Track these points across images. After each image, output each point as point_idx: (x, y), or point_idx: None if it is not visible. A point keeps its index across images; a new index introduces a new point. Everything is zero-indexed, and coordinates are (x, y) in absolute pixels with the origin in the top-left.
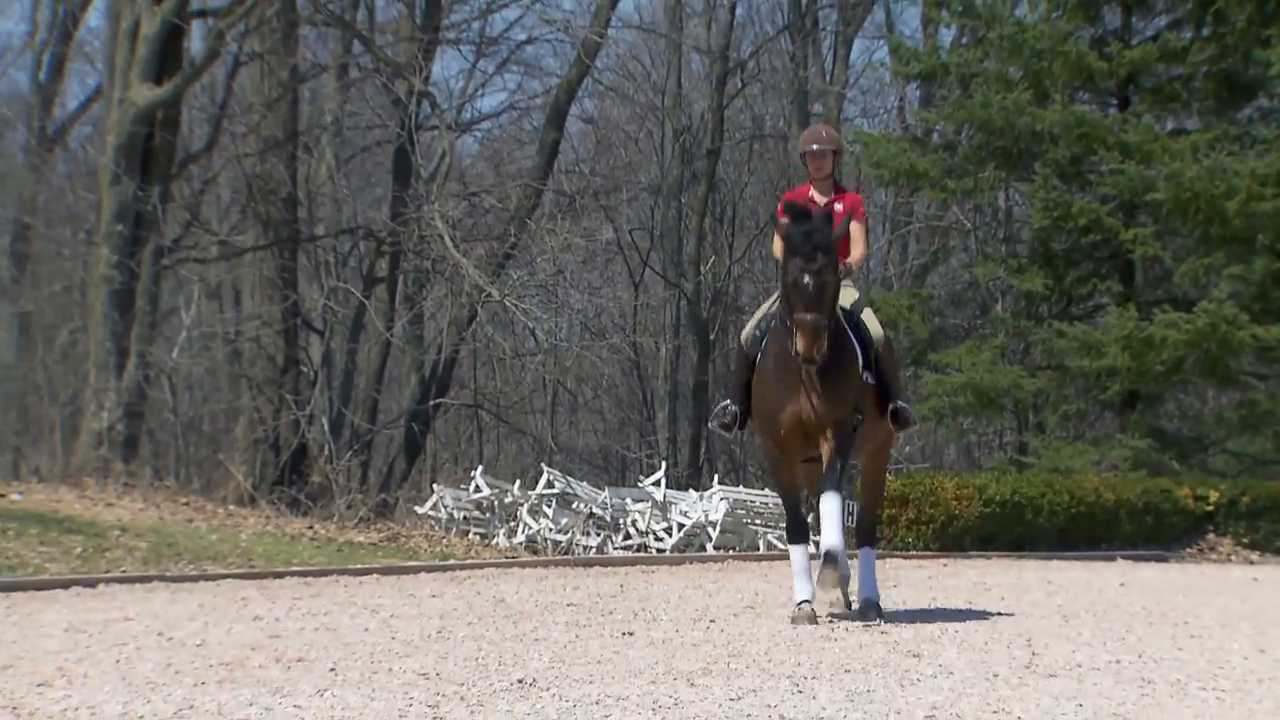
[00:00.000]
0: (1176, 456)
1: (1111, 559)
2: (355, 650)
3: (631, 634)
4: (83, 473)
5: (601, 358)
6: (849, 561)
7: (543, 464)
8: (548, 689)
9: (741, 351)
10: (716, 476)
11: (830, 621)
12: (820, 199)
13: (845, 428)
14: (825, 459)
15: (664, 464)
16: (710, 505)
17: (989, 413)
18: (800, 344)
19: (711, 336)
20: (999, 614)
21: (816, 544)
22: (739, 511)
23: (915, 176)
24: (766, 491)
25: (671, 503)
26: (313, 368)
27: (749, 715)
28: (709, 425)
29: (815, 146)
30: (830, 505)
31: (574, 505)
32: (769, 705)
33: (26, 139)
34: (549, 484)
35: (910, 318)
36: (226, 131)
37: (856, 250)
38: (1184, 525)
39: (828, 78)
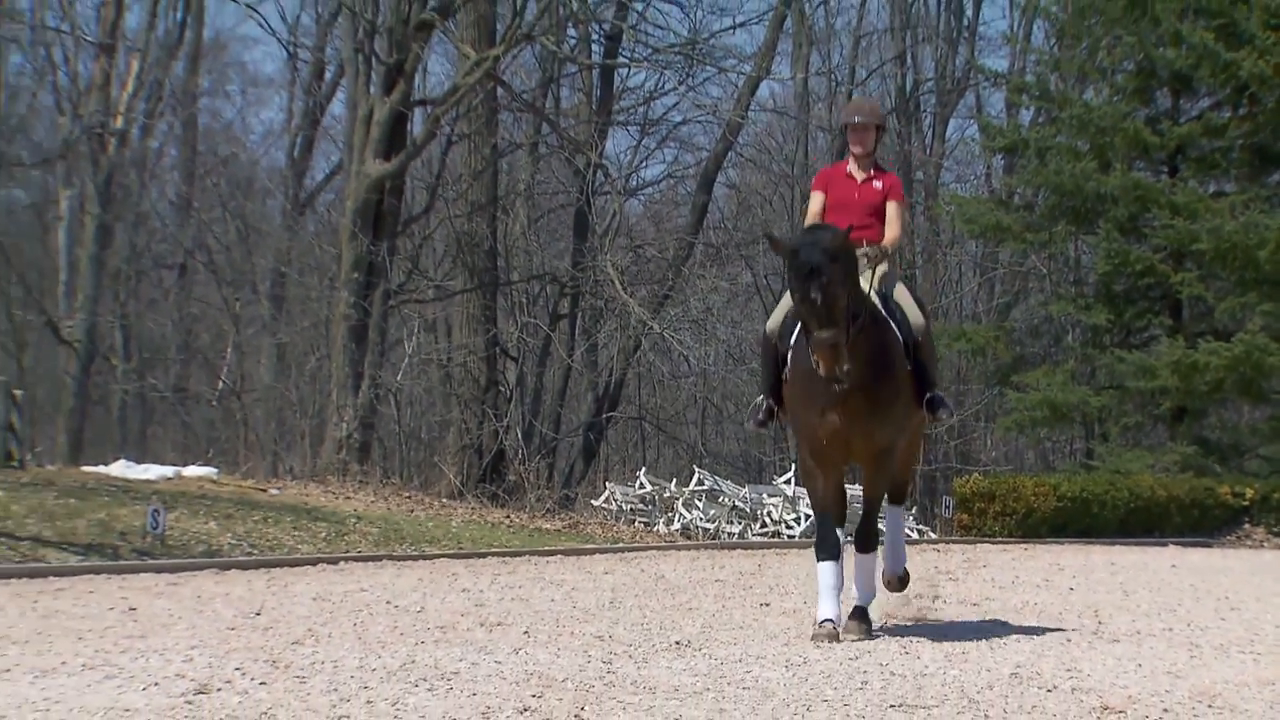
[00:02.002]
0: (1218, 460)
1: (1164, 545)
2: (544, 616)
3: (768, 605)
4: (326, 472)
5: (742, 379)
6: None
7: (694, 466)
8: (700, 649)
9: (769, 343)
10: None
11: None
12: (859, 175)
13: (889, 461)
14: (864, 508)
15: (793, 465)
16: None
17: (1061, 424)
18: (821, 366)
19: None
20: (1070, 589)
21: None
22: (853, 505)
23: (1000, 231)
24: None
25: (799, 497)
26: (509, 388)
27: (865, 671)
28: (745, 426)
29: (858, 119)
30: (867, 562)
31: (720, 499)
32: (881, 664)
33: (283, 204)
34: (699, 482)
35: (996, 346)
36: (441, 197)
37: (891, 231)
38: (1224, 517)
39: (928, 150)
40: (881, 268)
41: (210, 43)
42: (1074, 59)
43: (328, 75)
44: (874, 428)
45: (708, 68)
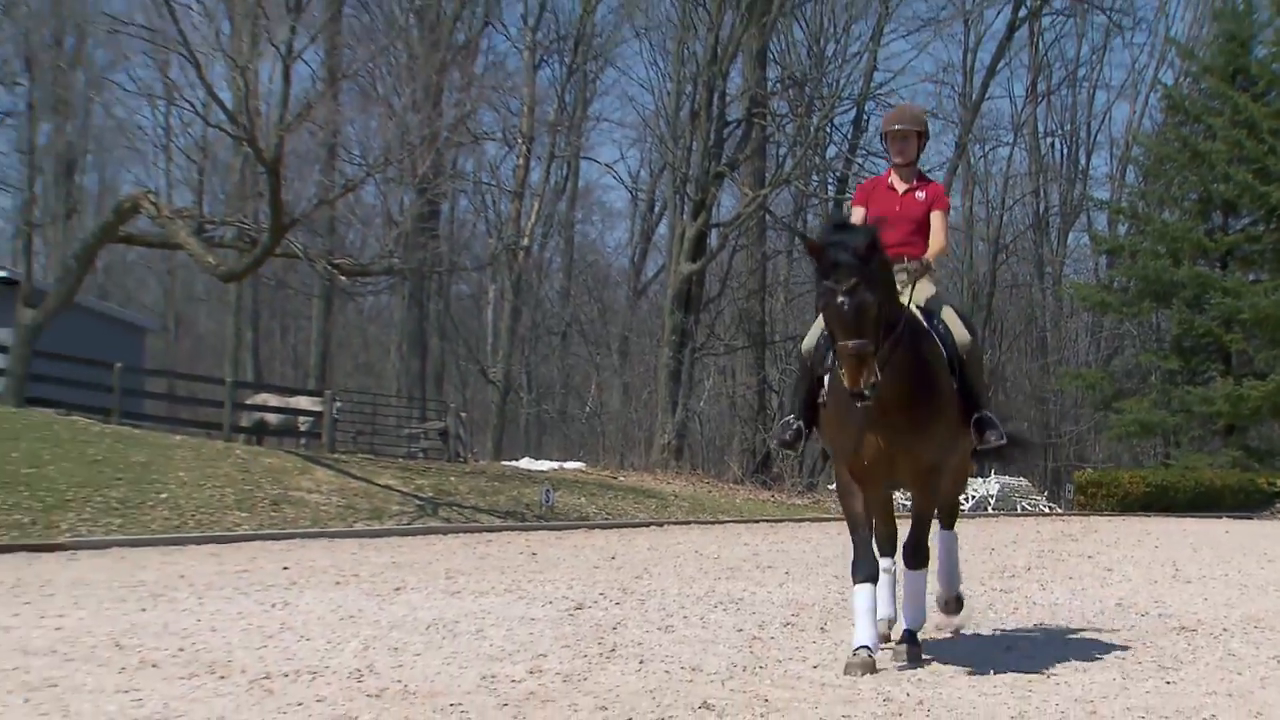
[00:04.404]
0: (1257, 460)
1: (1219, 518)
2: (798, 562)
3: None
4: (655, 466)
5: None
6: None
7: None
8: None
9: (804, 364)
10: (993, 469)
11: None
12: (900, 186)
13: (935, 480)
14: (911, 526)
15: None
16: (988, 485)
17: (1147, 436)
18: (846, 378)
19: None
20: (1155, 547)
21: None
22: (1005, 490)
23: (1104, 306)
24: (1021, 477)
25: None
26: (773, 411)
27: (1015, 605)
28: (769, 443)
29: (898, 126)
30: (916, 580)
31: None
32: (1026, 597)
33: (627, 292)
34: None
35: (1102, 383)
36: (728, 286)
37: (936, 243)
38: (1262, 500)
39: (1054, 250)
40: (927, 287)
41: (582, 189)
42: (1155, 191)
43: (656, 208)
44: (918, 445)
45: None
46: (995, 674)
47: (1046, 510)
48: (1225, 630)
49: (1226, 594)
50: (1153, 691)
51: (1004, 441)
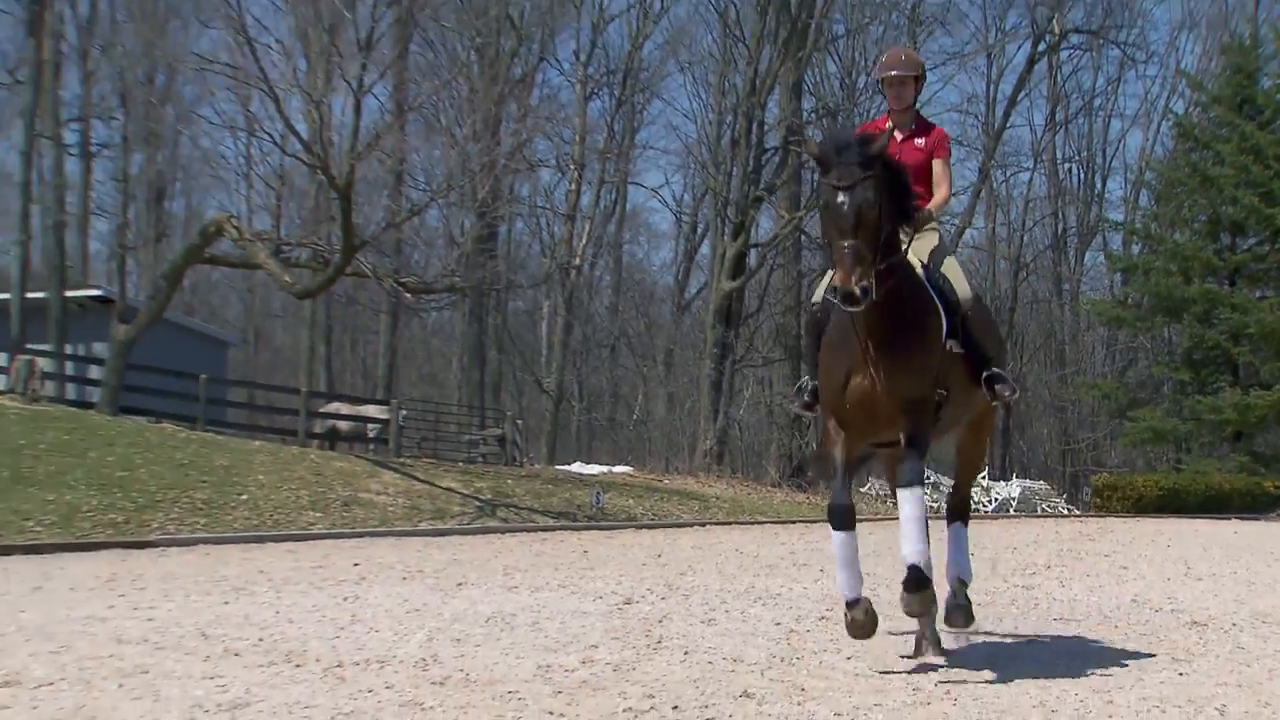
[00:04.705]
0: (1263, 465)
1: (1228, 519)
2: (832, 560)
3: (972, 555)
4: (697, 470)
5: None
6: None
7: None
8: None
9: (813, 316)
10: (1015, 473)
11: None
12: (899, 134)
13: (922, 409)
14: (901, 447)
15: (985, 465)
16: (1010, 488)
17: (1160, 443)
18: (838, 276)
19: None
20: (1168, 546)
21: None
22: (1026, 493)
23: (1119, 320)
24: (1041, 481)
25: (990, 486)
26: (809, 420)
27: (1036, 601)
28: (789, 407)
29: (894, 72)
30: (911, 508)
31: (941, 487)
32: (1047, 593)
33: (671, 308)
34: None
35: (1117, 392)
36: (766, 303)
37: (940, 191)
38: (1267, 502)
39: (1071, 269)
40: (929, 239)
41: (630, 212)
42: (1166, 213)
43: (698, 229)
44: (901, 375)
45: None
46: (1019, 665)
47: (1065, 512)
48: (1235, 625)
49: (1235, 590)
50: (1166, 682)
51: (1016, 394)
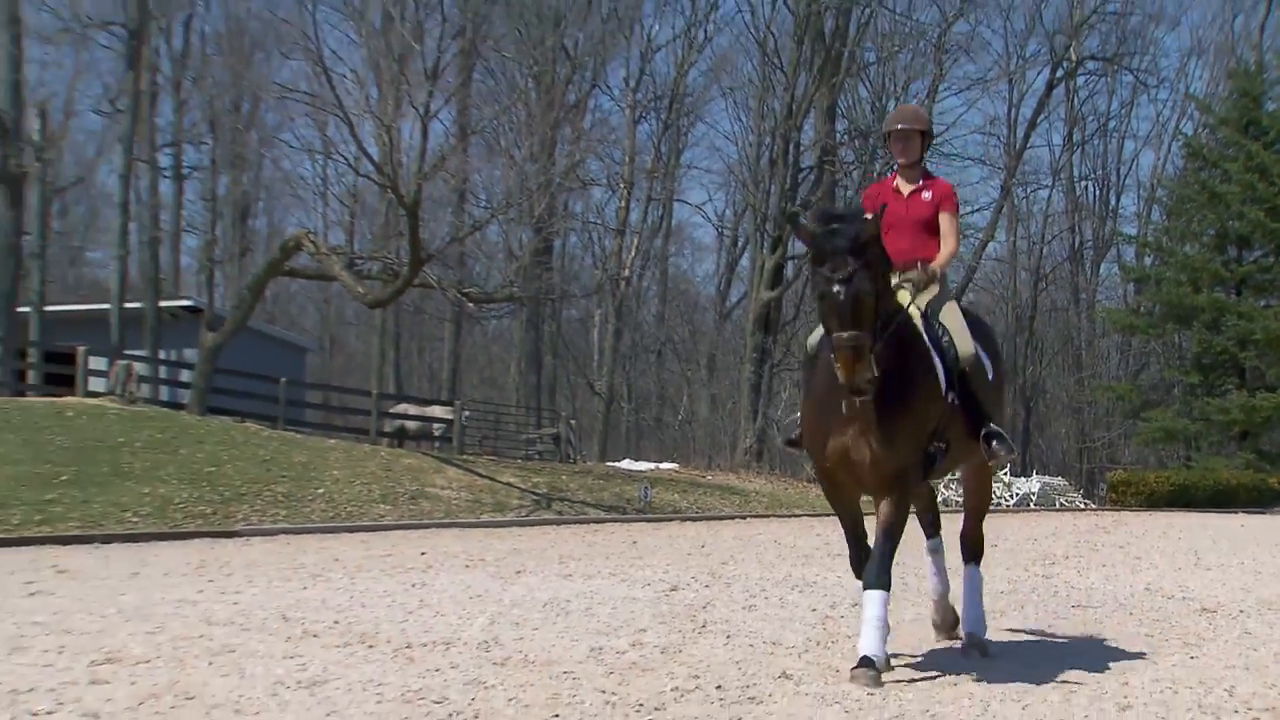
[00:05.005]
0: (1268, 463)
1: (1235, 514)
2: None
3: (995, 546)
4: (738, 467)
5: None
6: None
7: None
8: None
9: (809, 359)
10: (1035, 469)
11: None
12: (905, 189)
13: (902, 484)
14: (875, 535)
15: (1008, 462)
16: (1030, 484)
17: (1171, 442)
18: (840, 372)
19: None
20: (1179, 539)
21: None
22: (1045, 488)
23: (1133, 328)
24: (1059, 477)
25: (1012, 482)
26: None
27: (1055, 589)
28: (779, 442)
29: (900, 126)
30: (872, 609)
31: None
32: (1065, 581)
33: (714, 315)
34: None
35: (1131, 394)
36: (802, 310)
37: (946, 246)
38: (1273, 497)
39: (1088, 280)
40: (931, 287)
41: (675, 227)
42: (1177, 227)
43: (739, 243)
44: (882, 454)
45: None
46: (1040, 648)
47: (1082, 506)
48: (1242, 611)
49: (1243, 579)
50: (1178, 664)
51: (1014, 455)
